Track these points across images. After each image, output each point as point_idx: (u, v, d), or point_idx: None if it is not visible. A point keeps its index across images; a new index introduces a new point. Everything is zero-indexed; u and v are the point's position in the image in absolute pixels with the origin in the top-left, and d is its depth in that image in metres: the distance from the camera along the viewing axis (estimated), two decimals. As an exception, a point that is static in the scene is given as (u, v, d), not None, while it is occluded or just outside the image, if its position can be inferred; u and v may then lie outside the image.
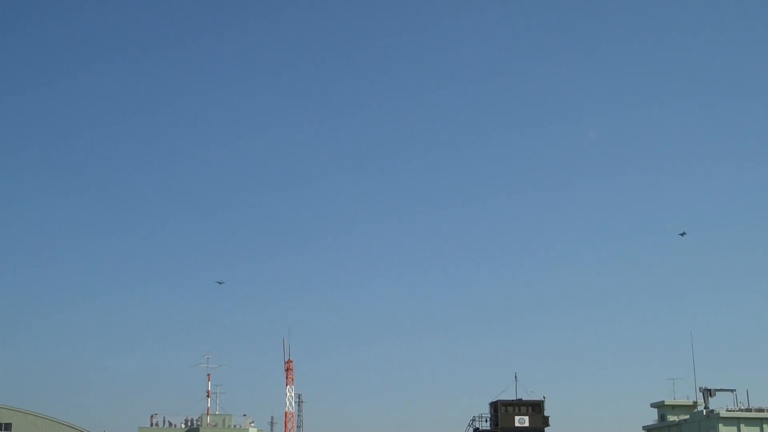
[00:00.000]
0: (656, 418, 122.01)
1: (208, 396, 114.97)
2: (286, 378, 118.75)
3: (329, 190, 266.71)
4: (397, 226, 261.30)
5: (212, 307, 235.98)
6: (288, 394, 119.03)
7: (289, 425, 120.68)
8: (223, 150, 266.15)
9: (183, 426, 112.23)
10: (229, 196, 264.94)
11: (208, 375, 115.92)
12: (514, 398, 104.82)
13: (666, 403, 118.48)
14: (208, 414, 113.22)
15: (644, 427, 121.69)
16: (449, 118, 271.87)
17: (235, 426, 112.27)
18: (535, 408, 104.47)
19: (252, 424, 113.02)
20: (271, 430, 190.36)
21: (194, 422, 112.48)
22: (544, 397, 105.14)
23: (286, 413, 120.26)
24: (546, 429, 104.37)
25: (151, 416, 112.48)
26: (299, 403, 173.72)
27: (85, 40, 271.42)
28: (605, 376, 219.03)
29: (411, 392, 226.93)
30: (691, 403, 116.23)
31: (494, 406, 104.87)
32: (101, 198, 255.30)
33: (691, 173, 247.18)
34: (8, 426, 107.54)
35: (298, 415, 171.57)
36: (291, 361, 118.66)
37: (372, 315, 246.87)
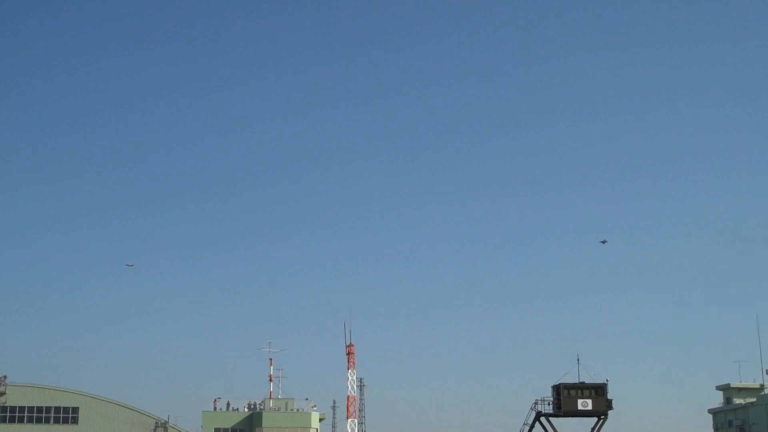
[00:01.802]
0: (722, 401, 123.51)
1: (270, 380, 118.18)
2: (348, 362, 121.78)
3: (384, 172, 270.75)
4: (459, 210, 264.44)
5: (274, 292, 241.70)
6: (349, 377, 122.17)
7: (351, 409, 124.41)
8: (278, 129, 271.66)
9: (246, 410, 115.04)
10: (283, 180, 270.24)
11: (270, 359, 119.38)
12: (577, 381, 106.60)
13: (732, 386, 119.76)
14: (270, 398, 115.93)
15: (710, 410, 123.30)
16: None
17: (297, 410, 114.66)
18: (598, 391, 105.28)
19: (314, 408, 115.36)
20: (333, 413, 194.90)
21: (257, 406, 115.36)
22: (606, 380, 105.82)
23: (348, 397, 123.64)
24: (609, 412, 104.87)
25: (215, 400, 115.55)
26: (361, 386, 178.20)
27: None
28: (669, 359, 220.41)
29: (472, 375, 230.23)
30: (758, 386, 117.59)
31: (556, 389, 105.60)
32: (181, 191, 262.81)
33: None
34: (75, 410, 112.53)
35: (360, 399, 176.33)
36: (352, 345, 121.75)
37: (433, 298, 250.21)
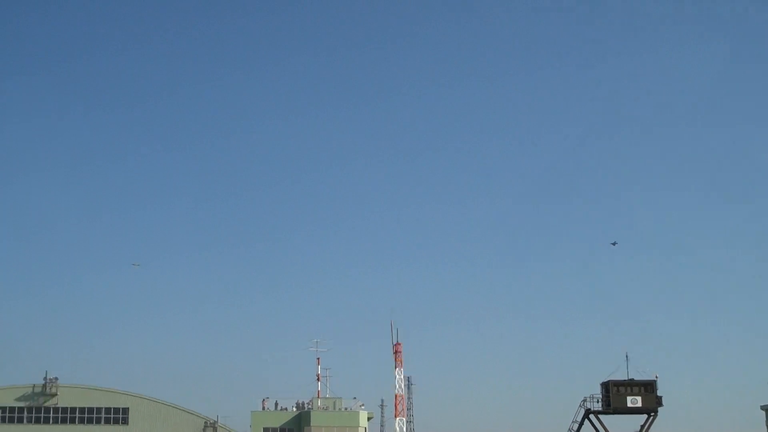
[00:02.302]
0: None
1: (318, 379, 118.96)
2: (395, 361, 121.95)
3: (431, 168, 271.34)
4: (508, 207, 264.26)
5: (321, 291, 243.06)
6: (397, 376, 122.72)
7: (399, 407, 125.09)
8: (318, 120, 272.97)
9: (294, 409, 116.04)
10: (325, 174, 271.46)
11: (318, 359, 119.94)
12: (626, 378, 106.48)
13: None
14: (318, 397, 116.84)
15: (762, 407, 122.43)
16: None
17: (345, 409, 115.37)
18: (648, 388, 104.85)
19: (362, 407, 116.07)
20: (381, 412, 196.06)
21: (305, 406, 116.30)
22: (656, 377, 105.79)
23: (395, 395, 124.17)
24: (659, 409, 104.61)
25: (263, 400, 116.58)
26: (409, 385, 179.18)
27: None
28: (720, 355, 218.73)
29: (521, 373, 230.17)
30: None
31: (605, 386, 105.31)
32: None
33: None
34: (126, 410, 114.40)
35: (408, 398, 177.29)
36: (399, 344, 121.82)
37: (481, 295, 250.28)
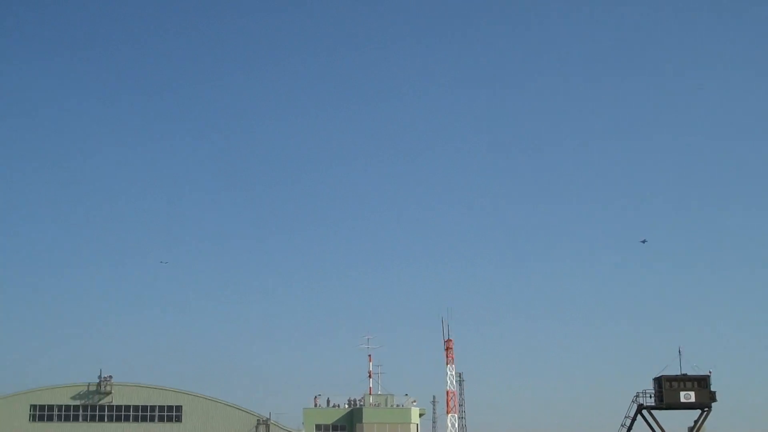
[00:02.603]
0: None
1: (369, 376, 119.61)
2: (446, 357, 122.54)
3: (489, 169, 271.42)
4: (556, 206, 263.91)
5: (372, 288, 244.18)
6: (448, 373, 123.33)
7: (451, 404, 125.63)
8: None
9: (346, 406, 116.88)
10: (377, 172, 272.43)
11: (369, 356, 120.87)
12: (679, 373, 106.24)
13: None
14: (370, 394, 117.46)
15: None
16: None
17: (397, 405, 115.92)
18: (701, 383, 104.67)
19: (414, 404, 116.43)
20: (433, 408, 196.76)
21: (357, 402, 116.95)
22: (709, 372, 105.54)
23: (447, 392, 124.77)
24: (713, 404, 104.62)
25: (315, 397, 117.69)
26: (460, 381, 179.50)
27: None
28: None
29: (573, 368, 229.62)
30: None
31: (658, 381, 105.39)
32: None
33: None
34: (179, 408, 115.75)
35: (460, 394, 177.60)
36: (451, 340, 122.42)
37: (532, 291, 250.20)
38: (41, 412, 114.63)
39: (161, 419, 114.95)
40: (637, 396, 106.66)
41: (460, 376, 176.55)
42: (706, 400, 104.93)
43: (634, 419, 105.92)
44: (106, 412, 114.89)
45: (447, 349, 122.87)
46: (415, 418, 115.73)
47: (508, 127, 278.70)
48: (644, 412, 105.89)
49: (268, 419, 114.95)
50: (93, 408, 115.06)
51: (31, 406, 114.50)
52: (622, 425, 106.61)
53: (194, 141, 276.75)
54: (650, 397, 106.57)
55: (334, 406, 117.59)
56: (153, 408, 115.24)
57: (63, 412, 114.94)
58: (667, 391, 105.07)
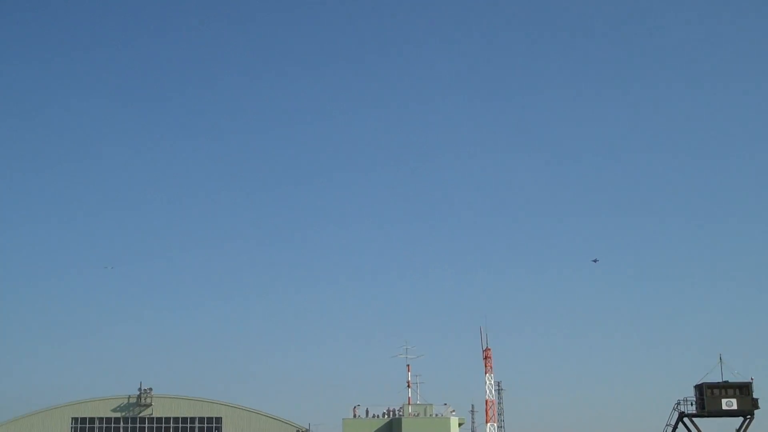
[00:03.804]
0: None
1: (408, 386, 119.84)
2: (485, 366, 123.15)
3: (530, 173, 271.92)
4: (593, 215, 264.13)
5: (410, 297, 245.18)
6: (487, 382, 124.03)
7: (490, 413, 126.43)
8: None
9: (385, 416, 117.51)
10: (415, 184, 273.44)
11: (408, 366, 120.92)
12: (720, 380, 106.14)
13: None
14: (409, 404, 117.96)
15: None
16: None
17: (436, 415, 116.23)
18: (743, 390, 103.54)
19: (453, 413, 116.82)
20: (472, 418, 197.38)
21: (396, 413, 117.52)
22: (752, 379, 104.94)
23: (486, 401, 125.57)
24: (756, 412, 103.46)
25: (354, 408, 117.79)
26: (499, 390, 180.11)
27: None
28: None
29: (612, 377, 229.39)
30: None
31: (699, 388, 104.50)
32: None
33: None
34: (219, 420, 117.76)
35: (499, 403, 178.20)
36: (489, 349, 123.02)
37: (570, 299, 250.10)
38: (82, 425, 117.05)
39: (201, 431, 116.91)
40: (678, 404, 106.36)
41: (498, 385, 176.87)
42: (748, 408, 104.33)
43: (675, 427, 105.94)
44: (146, 424, 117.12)
45: (485, 358, 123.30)
46: (454, 427, 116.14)
47: (551, 135, 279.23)
48: (685, 419, 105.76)
49: (307, 430, 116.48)
50: (134, 420, 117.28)
51: (72, 419, 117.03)
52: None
53: (221, 142, 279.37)
54: (691, 404, 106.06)
55: (373, 417, 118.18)
56: (193, 419, 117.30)
57: (104, 425, 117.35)
58: (708, 399, 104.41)
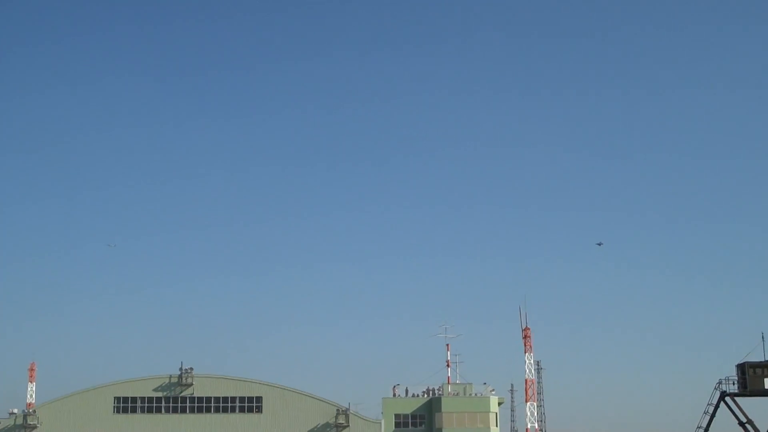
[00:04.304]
0: None
1: (447, 366, 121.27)
2: (524, 345, 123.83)
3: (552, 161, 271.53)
4: (633, 195, 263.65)
5: (449, 277, 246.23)
6: (527, 361, 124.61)
7: (530, 392, 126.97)
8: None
9: (424, 396, 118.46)
10: (455, 167, 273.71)
11: (447, 345, 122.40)
12: (763, 359, 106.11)
13: None
14: (448, 383, 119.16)
15: None
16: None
17: (475, 394, 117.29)
18: None
19: (493, 392, 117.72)
20: (512, 397, 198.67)
21: (435, 392, 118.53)
22: None
23: (526, 380, 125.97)
24: None
25: (394, 387, 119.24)
26: (538, 369, 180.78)
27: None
28: None
29: (654, 356, 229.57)
30: None
31: (741, 368, 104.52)
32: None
33: None
34: (259, 399, 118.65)
35: (538, 382, 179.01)
36: (528, 329, 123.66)
37: (610, 278, 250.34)
38: (125, 404, 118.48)
39: (242, 410, 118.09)
40: (719, 383, 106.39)
41: (538, 365, 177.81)
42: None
43: (717, 407, 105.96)
44: (187, 404, 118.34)
45: (525, 337, 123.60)
46: (494, 406, 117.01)
47: (588, 125, 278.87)
48: (727, 399, 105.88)
49: (347, 409, 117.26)
50: (175, 399, 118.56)
51: (114, 398, 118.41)
52: (704, 413, 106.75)
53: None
54: (733, 384, 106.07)
55: (412, 396, 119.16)
56: (234, 399, 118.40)
57: (146, 404, 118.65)
58: (750, 378, 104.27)
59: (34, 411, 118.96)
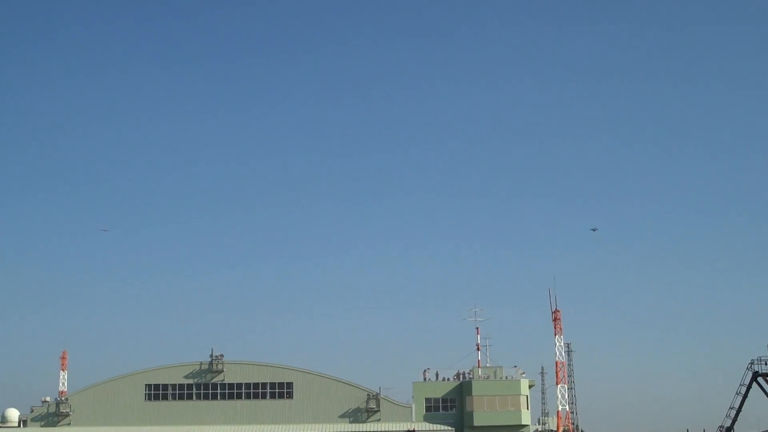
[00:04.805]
0: None
1: (477, 349, 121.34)
2: (554, 328, 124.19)
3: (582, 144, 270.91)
4: (663, 174, 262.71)
5: (478, 260, 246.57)
6: (557, 343, 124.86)
7: (560, 374, 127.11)
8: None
9: (455, 379, 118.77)
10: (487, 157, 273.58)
11: (477, 328, 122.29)
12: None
13: None
14: (479, 366, 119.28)
15: None
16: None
17: (506, 377, 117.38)
18: None
19: (523, 375, 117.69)
20: (542, 380, 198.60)
21: (465, 375, 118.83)
22: None
23: (556, 363, 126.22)
24: None
25: (424, 371, 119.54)
26: (569, 352, 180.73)
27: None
28: None
29: (685, 336, 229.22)
30: None
31: None
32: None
33: None
34: (290, 385, 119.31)
35: (569, 364, 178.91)
36: (558, 311, 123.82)
37: (639, 258, 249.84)
38: (156, 391, 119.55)
39: (272, 396, 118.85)
40: (751, 363, 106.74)
41: (568, 347, 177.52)
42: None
43: (749, 387, 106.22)
44: (218, 390, 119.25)
45: (555, 319, 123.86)
46: (524, 389, 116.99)
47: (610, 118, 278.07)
48: (759, 379, 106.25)
49: (377, 394, 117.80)
50: (206, 386, 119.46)
51: (146, 385, 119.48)
52: (737, 393, 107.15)
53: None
54: (765, 364, 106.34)
55: (443, 380, 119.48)
56: (264, 385, 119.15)
57: (177, 391, 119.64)
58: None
59: (67, 399, 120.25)
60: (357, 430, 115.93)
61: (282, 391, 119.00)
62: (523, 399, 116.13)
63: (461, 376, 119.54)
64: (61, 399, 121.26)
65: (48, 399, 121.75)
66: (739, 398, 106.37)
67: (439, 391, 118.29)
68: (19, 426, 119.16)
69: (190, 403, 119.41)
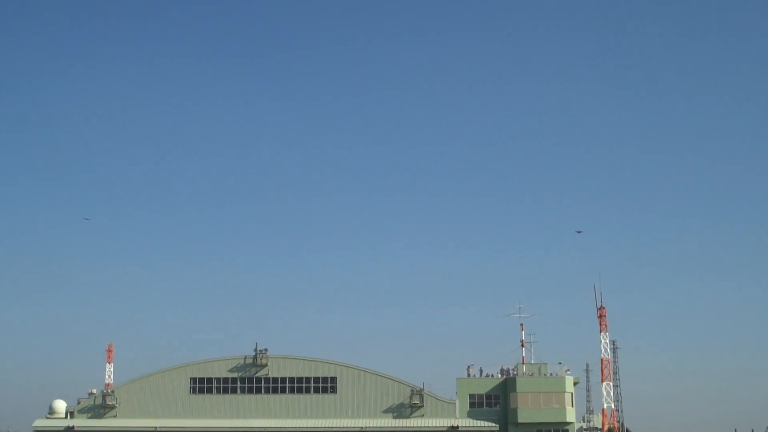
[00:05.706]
0: None
1: (522, 345, 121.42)
2: (600, 325, 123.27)
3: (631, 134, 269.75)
4: (707, 163, 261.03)
5: (522, 257, 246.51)
6: (602, 340, 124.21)
7: (606, 372, 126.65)
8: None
9: (499, 376, 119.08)
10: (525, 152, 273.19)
11: (521, 324, 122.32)
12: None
13: None
14: (523, 363, 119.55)
15: None
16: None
17: (551, 374, 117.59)
18: None
19: (568, 372, 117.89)
20: (587, 377, 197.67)
21: (510, 372, 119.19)
22: None
23: (601, 360, 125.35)
24: None
25: (468, 367, 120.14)
26: (614, 349, 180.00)
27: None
28: None
29: (730, 332, 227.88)
30: None
31: None
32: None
33: None
34: (334, 379, 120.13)
35: (614, 361, 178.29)
36: (604, 308, 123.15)
37: (686, 257, 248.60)
38: (200, 385, 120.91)
39: (316, 390, 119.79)
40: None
41: (614, 344, 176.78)
42: None
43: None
44: (262, 384, 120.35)
45: (600, 316, 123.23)
46: (569, 386, 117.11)
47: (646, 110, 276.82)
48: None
49: (421, 389, 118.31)
50: (250, 380, 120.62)
51: (191, 379, 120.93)
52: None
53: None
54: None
55: (487, 376, 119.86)
56: (308, 380, 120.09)
57: (221, 385, 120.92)
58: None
59: (113, 391, 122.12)
60: (401, 425, 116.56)
61: (326, 385, 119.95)
62: (567, 396, 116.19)
63: (505, 372, 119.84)
64: (107, 391, 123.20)
65: (95, 391, 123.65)
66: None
67: (483, 388, 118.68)
68: (66, 417, 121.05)
69: (234, 396, 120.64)
